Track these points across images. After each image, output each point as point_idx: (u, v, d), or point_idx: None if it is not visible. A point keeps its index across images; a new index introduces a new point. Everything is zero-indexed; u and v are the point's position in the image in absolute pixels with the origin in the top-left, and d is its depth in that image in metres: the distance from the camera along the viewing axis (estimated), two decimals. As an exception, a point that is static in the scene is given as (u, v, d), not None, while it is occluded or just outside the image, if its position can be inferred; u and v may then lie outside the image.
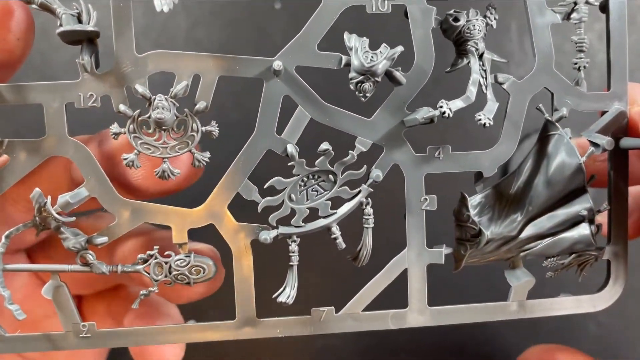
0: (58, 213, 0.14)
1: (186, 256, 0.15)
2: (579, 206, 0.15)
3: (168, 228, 0.15)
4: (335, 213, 0.15)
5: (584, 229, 0.16)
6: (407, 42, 0.15)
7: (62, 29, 0.13)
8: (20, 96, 0.14)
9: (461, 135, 0.22)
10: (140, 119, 0.14)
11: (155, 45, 0.22)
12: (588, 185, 0.15)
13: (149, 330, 0.15)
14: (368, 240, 0.16)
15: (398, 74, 0.14)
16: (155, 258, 0.15)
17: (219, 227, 0.15)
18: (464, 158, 0.16)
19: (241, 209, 0.15)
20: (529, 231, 0.16)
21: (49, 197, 0.14)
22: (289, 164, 0.15)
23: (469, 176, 0.16)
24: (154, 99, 0.14)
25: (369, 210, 0.15)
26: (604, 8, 0.16)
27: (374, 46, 0.14)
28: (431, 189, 0.16)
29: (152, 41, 0.22)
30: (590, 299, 0.17)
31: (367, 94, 0.14)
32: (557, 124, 0.15)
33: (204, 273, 0.15)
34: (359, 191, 0.15)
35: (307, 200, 0.15)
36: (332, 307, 0.16)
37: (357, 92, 0.14)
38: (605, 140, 0.15)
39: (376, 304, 0.16)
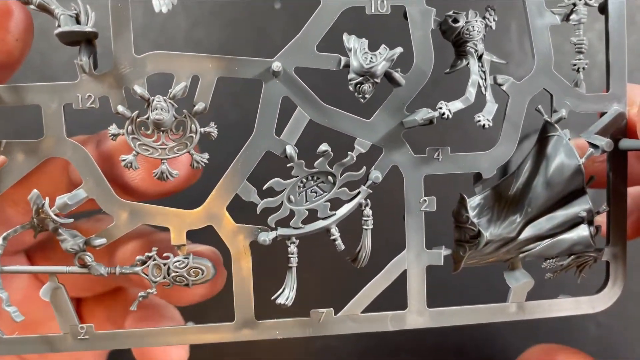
0: (56, 214, 0.14)
1: (185, 258, 0.15)
2: (578, 207, 0.15)
3: (167, 230, 0.15)
4: (335, 214, 0.15)
5: (583, 231, 0.16)
6: (407, 43, 0.15)
7: (60, 29, 0.13)
8: (19, 97, 0.14)
9: (460, 136, 0.22)
10: (138, 120, 0.14)
11: (154, 46, 0.22)
12: (587, 187, 0.15)
13: (148, 332, 0.15)
14: (367, 241, 0.16)
15: (397, 75, 0.14)
16: (154, 260, 0.15)
17: (218, 228, 0.15)
18: (463, 159, 0.16)
19: (240, 210, 0.15)
20: (528, 232, 0.16)
21: (47, 198, 0.14)
22: (288, 165, 0.15)
23: (468, 177, 0.16)
24: (153, 100, 0.14)
25: (368, 211, 0.15)
26: (603, 9, 0.16)
27: (373, 47, 0.14)
28: (430, 190, 0.16)
29: (152, 41, 0.22)
30: (589, 301, 0.17)
31: (367, 95, 0.14)
32: (556, 125, 0.15)
33: (202, 275, 0.15)
34: (358, 192, 0.15)
35: (306, 201, 0.15)
36: (331, 309, 0.16)
37: (356, 94, 0.14)
38: (604, 142, 0.15)
39: (375, 306, 0.16)
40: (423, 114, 0.14)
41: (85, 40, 0.14)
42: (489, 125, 0.14)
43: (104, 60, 0.14)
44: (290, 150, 0.15)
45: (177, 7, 0.18)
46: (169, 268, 0.15)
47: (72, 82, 0.14)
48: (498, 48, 0.23)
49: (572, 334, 0.25)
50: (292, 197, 0.15)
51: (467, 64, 0.15)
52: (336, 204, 0.15)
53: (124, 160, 0.14)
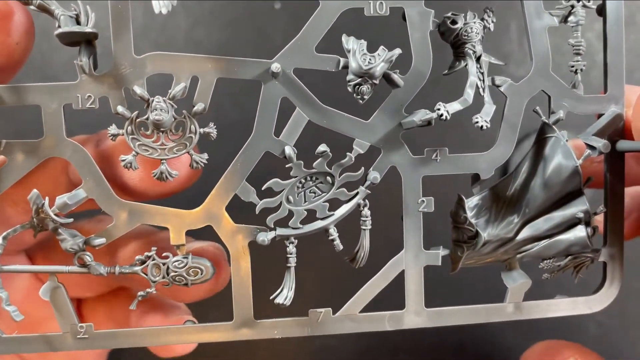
0: (56, 214, 0.14)
1: (184, 257, 0.15)
2: (575, 208, 0.16)
3: (166, 230, 0.15)
4: (333, 215, 0.15)
5: (580, 231, 0.16)
6: (405, 44, 0.15)
7: (60, 30, 0.13)
8: (19, 97, 0.14)
9: (459, 137, 0.22)
10: (138, 120, 0.14)
11: (154, 46, 0.22)
12: (584, 188, 0.15)
13: (147, 331, 0.16)
14: (365, 241, 0.16)
15: (396, 77, 0.14)
16: (153, 259, 0.15)
17: (217, 228, 0.15)
18: (461, 160, 0.16)
19: (239, 210, 0.15)
20: (525, 233, 0.16)
21: (47, 198, 0.14)
22: (286, 165, 0.15)
23: (466, 178, 0.16)
24: (152, 101, 0.14)
25: (366, 212, 0.15)
26: (601, 11, 0.16)
27: (372, 48, 0.14)
28: (428, 191, 0.16)
29: (152, 41, 0.22)
30: (586, 301, 0.17)
31: (365, 97, 0.14)
32: (553, 126, 0.15)
33: (201, 274, 0.15)
34: (357, 193, 0.15)
35: (305, 202, 0.15)
36: (330, 309, 0.16)
37: (355, 95, 0.14)
38: (601, 143, 0.15)
39: (373, 305, 0.16)
40: (421, 115, 0.15)
41: (85, 41, 0.14)
42: (486, 126, 0.14)
43: (103, 61, 0.14)
44: (289, 150, 0.15)
45: (177, 7, 0.18)
46: (168, 268, 0.15)
47: (72, 82, 0.14)
48: (498, 48, 0.23)
49: (572, 334, 0.25)
50: (290, 198, 0.15)
51: (466, 65, 0.15)
52: (335, 204, 0.15)
53: (123, 160, 0.14)
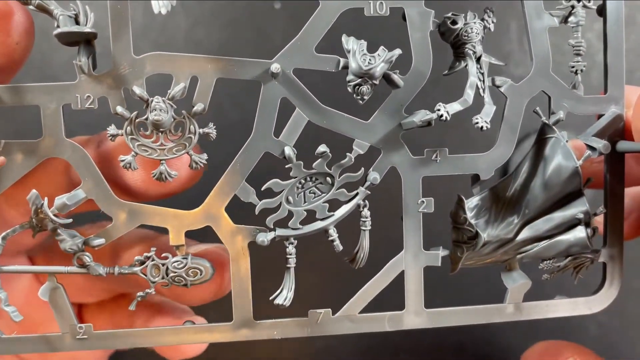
0: (55, 215, 0.14)
1: (183, 258, 0.15)
2: (575, 209, 0.16)
3: (166, 230, 0.15)
4: (333, 215, 0.15)
5: (580, 232, 0.16)
6: (405, 44, 0.15)
7: (59, 30, 0.13)
8: (18, 97, 0.14)
9: (459, 137, 0.22)
10: (137, 120, 0.14)
11: (154, 46, 0.22)
12: (584, 189, 0.15)
13: (146, 332, 0.16)
14: (365, 242, 0.16)
15: (396, 77, 0.14)
16: (153, 260, 0.15)
17: (216, 229, 0.15)
18: (461, 161, 0.16)
19: (239, 211, 0.15)
20: (525, 234, 0.16)
21: (46, 198, 0.14)
22: (286, 166, 0.15)
23: (466, 178, 0.16)
24: (152, 101, 0.14)
25: (366, 212, 0.15)
26: (601, 11, 0.16)
27: (372, 49, 0.14)
28: (428, 191, 0.16)
29: (152, 41, 0.22)
30: (585, 302, 0.17)
31: (365, 97, 0.14)
32: (554, 127, 0.15)
33: (201, 275, 0.15)
34: (357, 194, 0.15)
35: (305, 202, 0.15)
36: (329, 309, 0.16)
37: (354, 95, 0.14)
38: (601, 144, 0.15)
39: (373, 306, 0.16)
40: (421, 115, 0.14)
41: (85, 41, 0.14)
42: (487, 127, 0.14)
43: (103, 61, 0.14)
44: (288, 151, 0.15)
45: (177, 7, 0.18)
46: (167, 268, 0.15)
47: (71, 82, 0.14)
48: (498, 48, 0.23)
49: (572, 334, 0.25)
50: (290, 198, 0.15)
51: (466, 65, 0.15)
52: (334, 204, 0.15)
53: (122, 160, 0.14)
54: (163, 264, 0.15)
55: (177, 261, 0.15)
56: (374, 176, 0.15)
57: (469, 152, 0.16)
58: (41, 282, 0.17)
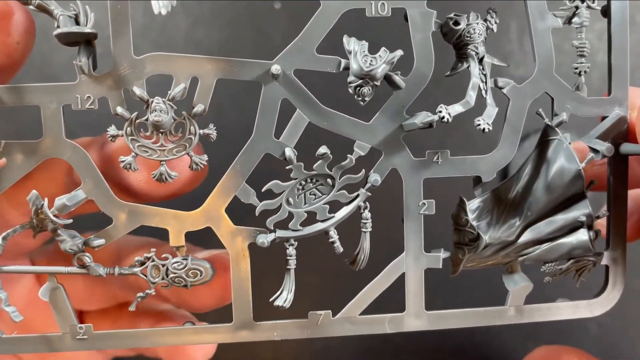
0: (55, 215, 0.14)
1: (183, 259, 0.15)
2: (578, 212, 0.15)
3: (165, 231, 0.15)
4: (333, 217, 0.15)
5: (582, 235, 0.16)
6: (407, 45, 0.15)
7: (59, 30, 0.13)
8: (18, 97, 0.14)
9: (460, 139, 0.22)
10: (137, 121, 0.14)
11: (154, 46, 0.22)
12: (587, 191, 0.15)
13: (146, 332, 0.16)
14: (366, 244, 0.16)
15: (397, 78, 0.14)
16: (153, 260, 0.15)
17: (217, 230, 0.15)
18: (463, 163, 0.15)
19: (239, 212, 0.15)
20: (527, 236, 0.16)
21: (46, 199, 0.14)
22: (287, 167, 0.15)
23: (467, 180, 0.16)
24: (152, 102, 0.14)
25: (366, 214, 0.15)
26: (606, 12, 0.16)
27: (373, 50, 0.14)
28: (429, 193, 0.16)
29: (152, 41, 0.22)
30: (587, 304, 0.17)
31: (366, 98, 0.14)
32: (556, 129, 0.15)
33: (201, 276, 0.15)
34: (357, 195, 0.15)
35: (305, 204, 0.15)
36: (329, 311, 0.16)
37: (355, 96, 0.14)
38: (604, 147, 0.15)
39: (374, 308, 0.16)
40: (423, 117, 0.14)
41: (85, 41, 0.14)
42: (489, 129, 0.14)
43: (103, 61, 0.14)
44: (289, 152, 0.15)
45: (177, 7, 0.18)
46: (167, 269, 0.15)
47: (71, 83, 0.14)
48: (498, 48, 0.23)
49: (573, 334, 0.25)
50: (291, 200, 0.15)
51: (468, 66, 0.15)
52: (335, 206, 0.15)
53: (122, 161, 0.14)
54: (163, 265, 0.15)
55: (177, 262, 0.15)
56: (375, 178, 0.15)
57: (471, 154, 0.16)
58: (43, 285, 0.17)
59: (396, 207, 0.16)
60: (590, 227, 0.16)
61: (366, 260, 0.16)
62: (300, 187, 0.15)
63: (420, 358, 0.25)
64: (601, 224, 0.16)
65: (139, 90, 0.14)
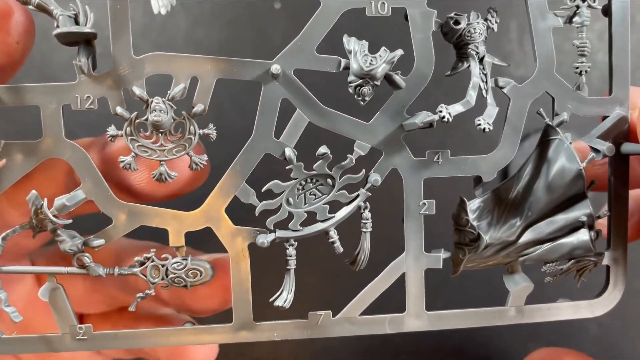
0: (54, 215, 0.14)
1: (183, 259, 0.15)
2: (579, 212, 0.15)
3: (166, 234, 0.15)
4: (333, 217, 0.15)
5: (583, 235, 0.16)
6: (407, 45, 0.15)
7: (58, 30, 0.13)
8: (17, 97, 0.14)
9: (461, 137, 0.22)
10: (137, 121, 0.14)
11: (154, 46, 0.22)
12: (588, 191, 0.15)
13: (146, 332, 0.15)
14: (366, 244, 0.16)
15: (397, 78, 0.14)
16: (152, 261, 0.15)
17: (216, 230, 0.15)
18: (463, 162, 0.15)
19: (239, 212, 0.15)
20: (527, 236, 0.16)
21: (45, 199, 0.14)
22: (287, 167, 0.15)
23: (468, 180, 0.16)
24: (151, 102, 0.14)
25: (367, 214, 0.15)
26: (607, 12, 0.16)
27: (373, 49, 0.14)
28: (430, 193, 0.16)
29: (152, 41, 0.22)
30: (588, 305, 0.17)
31: (366, 98, 0.14)
32: (557, 128, 0.15)
33: (201, 276, 0.15)
34: (357, 195, 0.15)
35: (305, 204, 0.15)
36: (330, 311, 0.16)
37: (356, 96, 0.14)
38: (605, 146, 0.15)
39: (374, 308, 0.16)
40: (423, 117, 0.14)
41: (84, 41, 0.14)
42: (489, 129, 0.14)
43: (103, 61, 0.14)
44: (289, 152, 0.15)
45: (177, 7, 0.18)
46: (167, 269, 0.15)
47: (71, 83, 0.14)
48: (498, 48, 0.23)
49: (573, 334, 0.25)
50: (290, 200, 0.15)
51: (468, 66, 0.15)
52: (335, 206, 0.15)
53: (122, 161, 0.14)
54: (163, 265, 0.15)
55: (176, 262, 0.15)
56: (375, 178, 0.15)
57: (471, 154, 0.15)
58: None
59: (396, 207, 0.16)
60: (591, 227, 0.16)
61: (366, 260, 0.16)
62: (300, 187, 0.15)
63: (420, 358, 0.25)
64: (602, 224, 0.16)
65: (138, 90, 0.14)
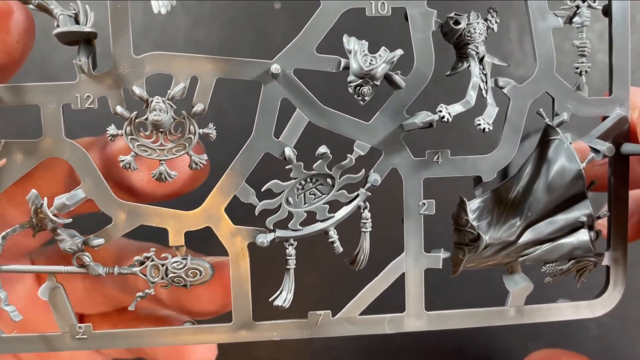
0: (54, 215, 0.14)
1: (183, 259, 0.15)
2: (579, 212, 0.15)
3: (166, 235, 0.15)
4: (333, 217, 0.15)
5: (583, 235, 0.16)
6: (407, 45, 0.15)
7: (58, 29, 0.13)
8: (17, 97, 0.14)
9: (461, 138, 0.22)
10: (137, 120, 0.14)
11: (154, 46, 0.22)
12: (588, 191, 0.15)
13: (145, 332, 0.15)
14: (365, 244, 0.16)
15: (397, 78, 0.14)
16: (152, 260, 0.15)
17: (216, 230, 0.15)
18: (463, 162, 0.15)
19: (238, 212, 0.15)
20: (527, 236, 0.16)
21: (45, 198, 0.14)
22: (286, 167, 0.15)
23: (467, 180, 0.16)
24: (151, 101, 0.14)
25: (366, 214, 0.15)
26: (607, 12, 0.16)
27: (373, 49, 0.14)
28: (430, 193, 0.16)
29: (152, 41, 0.22)
30: (588, 305, 0.17)
31: (366, 98, 0.14)
32: (557, 129, 0.15)
33: (200, 275, 0.15)
34: (357, 195, 0.15)
35: (305, 203, 0.15)
36: (329, 311, 0.16)
37: (355, 96, 0.14)
38: (605, 147, 0.15)
39: (373, 308, 0.16)
40: (423, 117, 0.14)
41: (84, 41, 0.14)
42: (489, 129, 0.14)
43: (103, 61, 0.14)
44: (289, 152, 0.15)
45: (177, 7, 0.18)
46: (167, 269, 0.15)
47: (71, 82, 0.14)
48: (497, 48, 0.23)
49: (572, 334, 0.25)
50: (290, 199, 0.15)
51: (468, 66, 0.15)
52: (335, 206, 0.15)
53: (122, 161, 0.14)
54: (162, 265, 0.15)
55: (176, 262, 0.15)
56: (375, 177, 0.15)
57: (471, 154, 0.15)
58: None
59: (396, 207, 0.16)
60: (591, 228, 0.16)
61: (366, 260, 0.16)
62: (300, 186, 0.15)
63: (420, 358, 0.25)
64: (602, 224, 0.16)
65: (138, 90, 0.14)
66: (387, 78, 0.14)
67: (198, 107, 0.14)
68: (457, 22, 0.15)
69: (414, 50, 0.15)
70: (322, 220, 0.15)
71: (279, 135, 0.15)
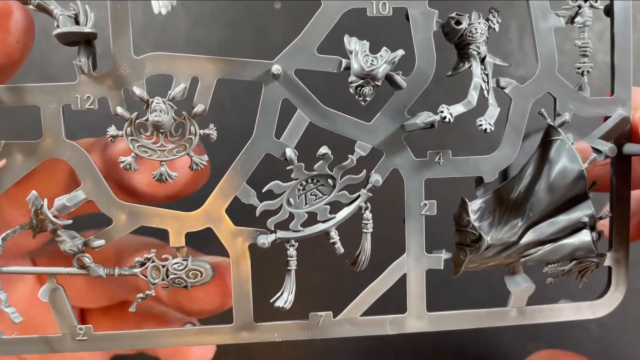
0: (55, 216, 0.14)
1: (183, 260, 0.15)
2: (580, 212, 0.15)
3: (166, 232, 0.15)
4: (334, 217, 0.15)
5: (585, 236, 0.15)
6: (408, 45, 0.14)
7: (58, 30, 0.13)
8: (17, 97, 0.14)
9: (462, 138, 0.22)
10: (137, 121, 0.14)
11: (154, 46, 0.22)
12: (590, 192, 0.15)
13: (146, 333, 0.15)
14: (367, 245, 0.16)
15: (398, 78, 0.14)
16: (153, 261, 0.15)
17: (217, 230, 0.15)
18: (465, 163, 0.15)
19: (239, 212, 0.15)
20: (529, 237, 0.16)
21: (45, 199, 0.14)
22: (287, 167, 0.15)
23: (469, 180, 0.16)
24: (152, 102, 0.14)
25: (367, 215, 0.15)
26: (609, 12, 0.16)
27: (374, 49, 0.14)
28: (431, 194, 0.16)
29: (152, 41, 0.22)
30: (590, 306, 0.17)
31: (367, 98, 0.14)
32: (559, 129, 0.15)
33: (201, 277, 0.15)
34: (358, 196, 0.15)
35: (306, 204, 0.15)
36: (330, 312, 0.16)
37: (356, 96, 0.14)
38: (607, 147, 0.15)
39: (375, 309, 0.16)
40: (424, 117, 0.14)
41: (85, 41, 0.14)
42: (490, 129, 0.14)
43: (103, 61, 0.14)
44: (290, 152, 0.15)
45: (177, 7, 0.18)
46: (167, 270, 0.15)
47: (71, 83, 0.14)
48: (498, 48, 0.23)
49: (573, 334, 0.25)
50: (291, 200, 0.15)
51: (470, 66, 0.15)
52: (336, 207, 0.15)
53: (122, 162, 0.14)
54: (163, 266, 0.15)
55: (177, 263, 0.15)
56: (376, 178, 0.15)
57: (473, 154, 0.15)
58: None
59: (397, 207, 0.16)
60: (592, 228, 0.15)
61: (367, 261, 0.16)
62: (301, 187, 0.15)
63: (421, 359, 0.25)
64: (604, 224, 0.16)
65: (138, 90, 0.14)
66: (388, 78, 0.14)
67: (199, 108, 0.14)
68: (458, 22, 0.15)
69: (415, 51, 0.15)
70: (323, 221, 0.15)
71: (280, 136, 0.15)
